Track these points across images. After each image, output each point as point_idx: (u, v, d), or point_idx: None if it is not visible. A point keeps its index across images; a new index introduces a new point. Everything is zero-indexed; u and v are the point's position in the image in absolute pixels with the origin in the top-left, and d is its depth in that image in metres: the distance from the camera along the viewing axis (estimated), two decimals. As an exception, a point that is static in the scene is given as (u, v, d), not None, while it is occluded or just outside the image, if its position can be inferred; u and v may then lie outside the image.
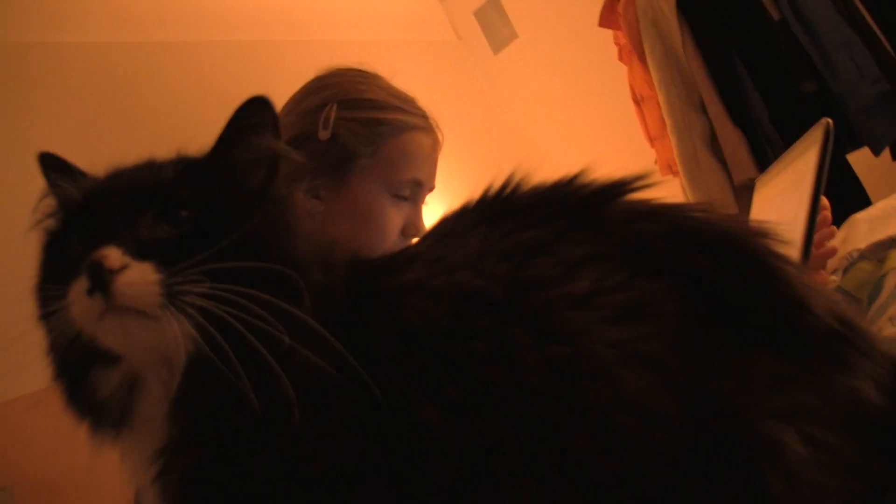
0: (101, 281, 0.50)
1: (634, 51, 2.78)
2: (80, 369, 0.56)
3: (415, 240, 1.22)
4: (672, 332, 0.48)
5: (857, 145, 2.46)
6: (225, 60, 3.10)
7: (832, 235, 1.18)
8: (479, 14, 4.31)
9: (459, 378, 0.49)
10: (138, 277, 0.51)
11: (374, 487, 0.48)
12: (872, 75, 2.34)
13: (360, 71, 1.26)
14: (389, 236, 1.18)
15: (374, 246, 1.15)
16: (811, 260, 1.04)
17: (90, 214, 0.58)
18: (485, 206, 0.61)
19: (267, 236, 0.57)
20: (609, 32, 3.08)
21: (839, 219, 1.23)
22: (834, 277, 1.24)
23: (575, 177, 0.60)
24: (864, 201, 2.24)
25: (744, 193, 2.46)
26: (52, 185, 0.66)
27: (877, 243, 1.13)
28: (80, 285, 0.51)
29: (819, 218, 1.08)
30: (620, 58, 3.06)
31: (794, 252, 0.93)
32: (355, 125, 1.16)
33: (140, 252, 0.53)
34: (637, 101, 3.01)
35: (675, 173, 2.72)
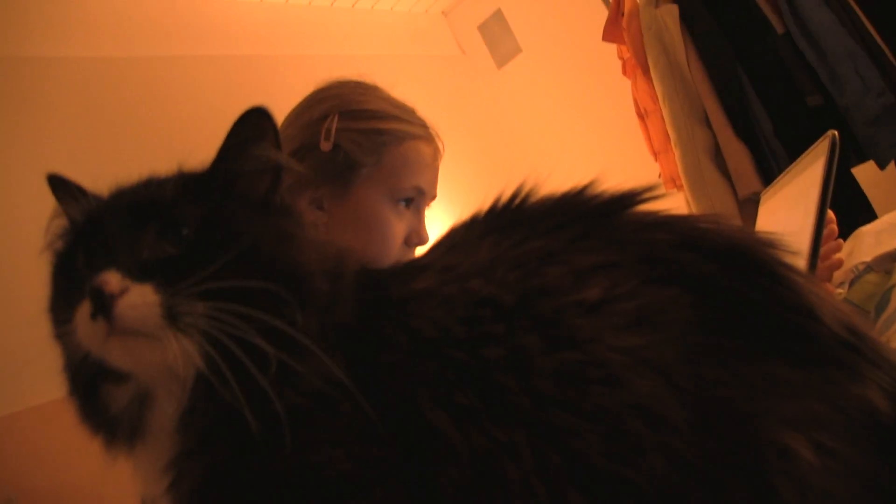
0: (103, 306, 0.51)
1: (638, 64, 2.79)
2: (91, 386, 0.58)
3: (419, 249, 1.24)
4: (682, 340, 0.49)
5: (862, 159, 2.46)
6: (230, 75, 3.12)
7: (839, 249, 1.18)
8: (483, 28, 4.33)
9: (471, 385, 0.50)
10: (138, 300, 0.52)
11: (386, 495, 0.49)
12: (877, 88, 2.33)
13: (360, 82, 1.27)
14: (393, 245, 1.19)
15: (378, 254, 1.16)
16: (817, 272, 1.04)
17: (93, 236, 0.59)
18: (495, 216, 0.62)
19: (270, 248, 0.58)
20: (612, 46, 3.09)
21: (844, 233, 1.23)
22: (840, 290, 1.24)
23: (585, 187, 0.60)
24: (869, 215, 2.24)
25: (748, 207, 2.46)
26: (62, 205, 0.67)
27: (883, 255, 1.13)
28: (84, 309, 0.53)
29: (826, 231, 1.08)
30: (624, 72, 3.07)
31: (801, 263, 0.93)
32: (357, 135, 1.17)
33: (141, 273, 0.54)
34: (641, 115, 3.02)
35: (679, 187, 2.73)
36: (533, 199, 0.62)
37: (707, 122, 2.58)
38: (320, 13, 3.78)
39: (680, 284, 0.51)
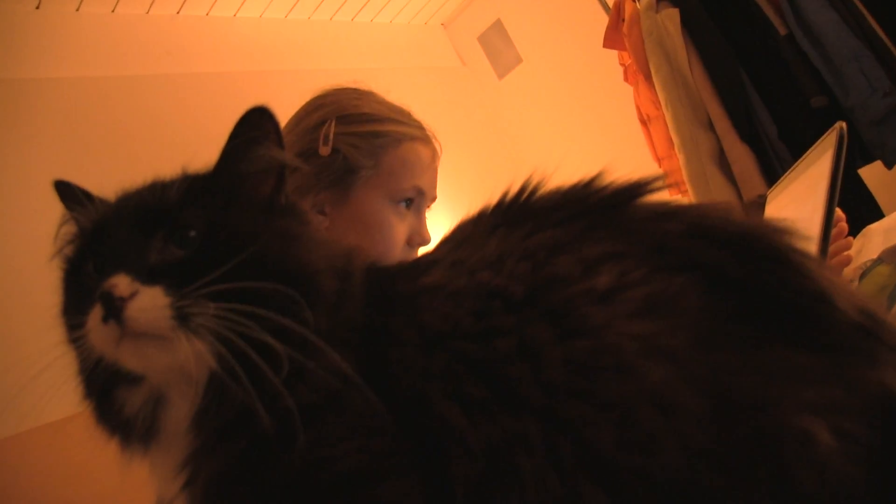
0: (114, 309, 0.52)
1: (640, 71, 2.80)
2: (105, 390, 0.58)
3: (423, 249, 1.25)
4: (694, 326, 0.48)
5: (868, 160, 2.45)
6: (234, 90, 3.13)
7: (849, 246, 1.17)
8: (484, 39, 4.35)
9: (482, 377, 0.49)
10: (148, 303, 0.53)
11: (399, 488, 0.48)
12: (883, 87, 2.32)
13: (355, 88, 1.29)
14: (396, 246, 1.21)
15: (381, 256, 1.17)
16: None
17: (102, 241, 0.59)
18: (502, 210, 0.62)
19: (278, 248, 0.58)
20: (613, 53, 3.10)
21: (852, 234, 1.23)
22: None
23: (592, 180, 0.60)
24: (877, 216, 2.23)
25: (753, 210, 2.45)
26: (69, 212, 0.67)
27: (894, 247, 1.12)
28: (96, 313, 0.53)
29: (835, 230, 1.07)
30: (626, 78, 3.08)
31: (812, 249, 0.92)
32: (355, 139, 1.19)
33: (150, 276, 0.54)
34: (644, 122, 3.02)
35: (683, 192, 2.72)
36: (540, 192, 0.61)
37: (710, 127, 2.58)
38: (319, 28, 3.80)
39: (691, 272, 0.51)
